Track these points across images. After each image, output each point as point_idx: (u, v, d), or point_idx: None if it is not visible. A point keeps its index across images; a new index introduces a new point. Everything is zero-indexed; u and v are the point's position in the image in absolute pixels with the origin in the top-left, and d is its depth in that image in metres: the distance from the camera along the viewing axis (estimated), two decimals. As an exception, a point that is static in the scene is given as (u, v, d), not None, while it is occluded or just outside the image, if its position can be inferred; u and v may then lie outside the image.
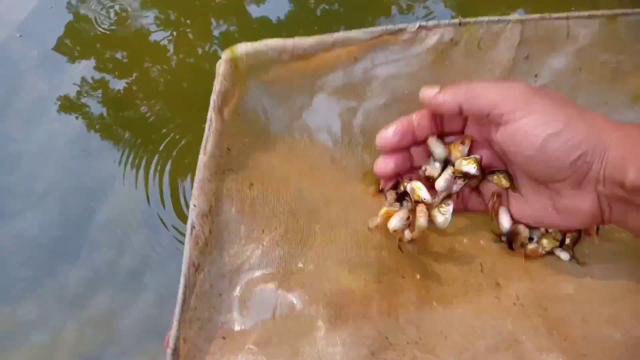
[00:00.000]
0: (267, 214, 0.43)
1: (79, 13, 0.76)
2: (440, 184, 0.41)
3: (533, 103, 0.33)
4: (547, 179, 0.34)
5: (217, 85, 0.40)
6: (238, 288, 0.38)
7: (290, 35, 0.42)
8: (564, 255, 0.45)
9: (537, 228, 0.43)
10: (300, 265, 0.41)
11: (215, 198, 0.39)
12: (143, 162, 0.67)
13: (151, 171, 0.66)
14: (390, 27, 0.42)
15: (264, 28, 0.74)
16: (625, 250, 0.43)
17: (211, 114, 0.40)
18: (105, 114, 0.70)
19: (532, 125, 0.32)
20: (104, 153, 0.68)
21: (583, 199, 0.33)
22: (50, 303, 0.60)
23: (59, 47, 0.74)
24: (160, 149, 0.68)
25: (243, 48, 0.41)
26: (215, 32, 0.74)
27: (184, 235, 0.37)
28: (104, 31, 0.76)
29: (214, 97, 0.40)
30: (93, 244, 0.63)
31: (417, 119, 0.40)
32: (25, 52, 0.74)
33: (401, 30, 0.42)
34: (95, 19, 0.76)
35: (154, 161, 0.67)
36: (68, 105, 0.70)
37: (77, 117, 0.69)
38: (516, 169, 0.38)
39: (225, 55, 0.40)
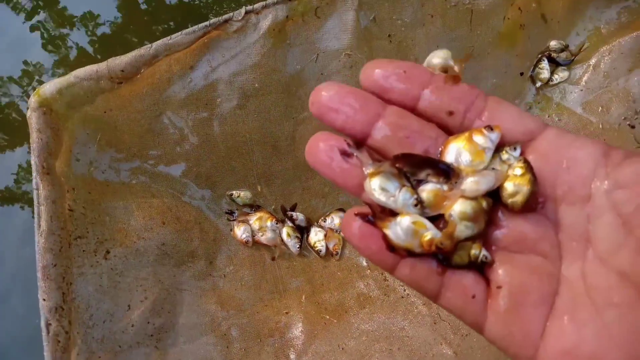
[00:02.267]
0: (129, 284, 0.39)
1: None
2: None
3: None
4: None
5: (33, 143, 0.34)
6: None
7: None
8: None
9: None
10: (171, 340, 0.40)
11: (66, 282, 0.34)
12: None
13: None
14: (213, 20, 0.37)
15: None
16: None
17: (36, 181, 0.34)
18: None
19: None
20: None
21: None
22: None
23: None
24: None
25: (52, 87, 0.35)
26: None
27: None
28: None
29: (34, 159, 0.34)
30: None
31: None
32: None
33: (227, 22, 0.38)
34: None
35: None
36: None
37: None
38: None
39: (32, 102, 0.34)
